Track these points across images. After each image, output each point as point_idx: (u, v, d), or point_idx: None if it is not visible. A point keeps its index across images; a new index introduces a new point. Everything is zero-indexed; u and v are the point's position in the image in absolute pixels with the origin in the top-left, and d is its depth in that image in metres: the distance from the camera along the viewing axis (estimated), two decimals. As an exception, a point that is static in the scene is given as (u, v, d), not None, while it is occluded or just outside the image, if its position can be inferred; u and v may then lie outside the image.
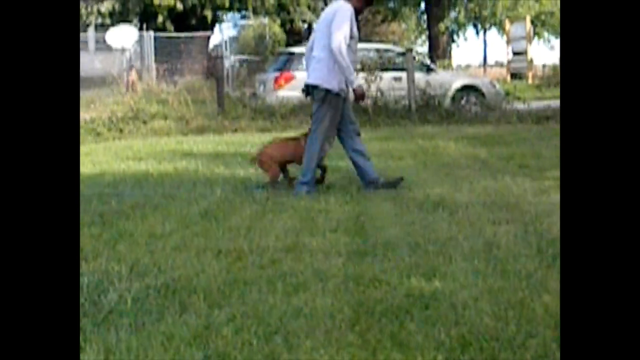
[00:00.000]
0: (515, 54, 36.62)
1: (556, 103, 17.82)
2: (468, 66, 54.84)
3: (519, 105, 17.43)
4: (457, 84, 17.72)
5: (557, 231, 5.51)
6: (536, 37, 46.00)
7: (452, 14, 38.47)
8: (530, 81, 33.96)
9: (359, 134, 7.64)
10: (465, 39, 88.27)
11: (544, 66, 40.45)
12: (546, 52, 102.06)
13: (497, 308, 3.85)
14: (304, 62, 8.56)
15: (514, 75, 35.70)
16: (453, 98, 17.35)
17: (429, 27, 36.32)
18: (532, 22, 39.07)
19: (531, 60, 35.46)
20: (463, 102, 17.41)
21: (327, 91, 7.23)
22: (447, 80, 17.61)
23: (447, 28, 36.10)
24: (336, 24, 7.07)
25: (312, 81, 7.37)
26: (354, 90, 7.29)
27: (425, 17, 39.29)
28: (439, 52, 34.36)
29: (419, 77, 16.60)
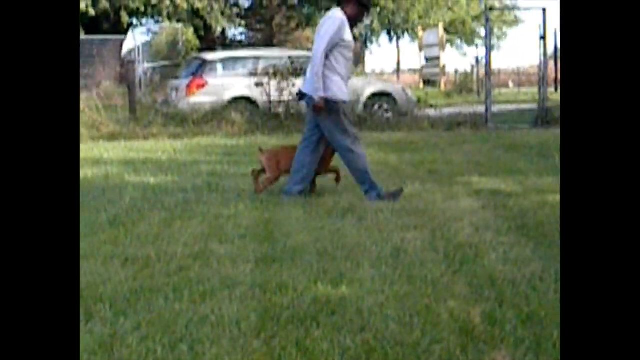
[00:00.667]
0: (428, 60, 37.20)
1: (467, 109, 18.15)
2: (382, 73, 55.38)
3: (431, 112, 17.69)
4: (370, 90, 17.86)
5: (464, 236, 5.60)
6: (449, 44, 46.83)
7: (366, 21, 38.84)
8: (442, 87, 34.51)
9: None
10: (379, 46, 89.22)
11: (456, 72, 41.19)
12: (458, 59, 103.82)
13: (402, 314, 3.88)
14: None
15: (426, 82, 36.26)
16: (365, 105, 17.48)
17: (342, 34, 36.51)
18: (445, 29, 39.76)
19: (443, 67, 36.07)
20: (375, 108, 17.56)
21: (327, 101, 7.11)
22: (360, 86, 17.73)
23: (360, 35, 36.39)
24: (321, 32, 7.11)
25: (306, 91, 7.27)
26: (312, 99, 7.14)
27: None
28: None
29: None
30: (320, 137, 7.36)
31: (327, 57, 7.03)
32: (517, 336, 3.57)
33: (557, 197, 7.14)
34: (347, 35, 7.17)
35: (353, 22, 7.33)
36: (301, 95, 7.41)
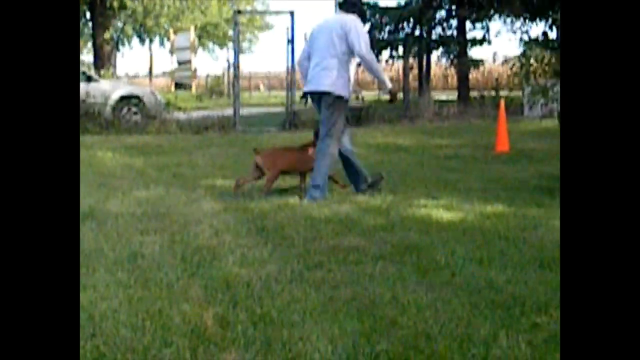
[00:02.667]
0: (179, 64, 36.94)
1: (217, 112, 18.25)
2: (136, 76, 54.45)
3: (180, 115, 17.62)
4: (118, 93, 17.56)
5: (203, 239, 5.62)
6: (201, 48, 46.81)
7: (118, 24, 38.03)
8: (194, 91, 34.47)
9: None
10: (131, 48, 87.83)
11: (207, 76, 41.33)
12: (211, 62, 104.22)
13: (135, 318, 3.83)
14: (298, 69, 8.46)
15: (178, 85, 36.01)
16: (114, 108, 17.15)
17: (93, 36, 35.50)
18: (197, 32, 39.69)
19: (195, 70, 35.99)
20: (124, 111, 17.27)
21: (339, 97, 7.48)
22: (108, 89, 17.40)
23: (112, 37, 35.55)
24: (356, 33, 7.39)
25: (322, 88, 7.52)
26: (390, 90, 7.94)
27: (90, 25, 38.35)
28: (103, 61, 33.71)
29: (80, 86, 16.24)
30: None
31: (344, 56, 7.48)
32: (248, 337, 3.62)
33: (297, 199, 7.35)
34: None
35: None
36: (308, 96, 7.82)
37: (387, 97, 8.18)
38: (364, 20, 8.48)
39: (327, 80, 7.51)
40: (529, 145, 11.92)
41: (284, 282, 4.52)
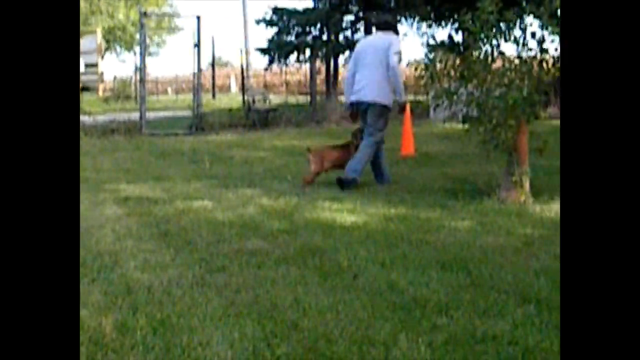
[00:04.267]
0: (86, 67, 36.30)
1: (123, 116, 17.99)
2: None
3: (86, 119, 17.30)
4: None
5: (105, 245, 5.53)
6: (108, 51, 46.09)
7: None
8: (100, 94, 33.89)
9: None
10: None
11: (114, 79, 40.70)
12: (118, 66, 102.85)
13: (31, 327, 3.74)
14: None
15: (84, 89, 35.33)
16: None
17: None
18: (104, 36, 39.09)
19: (101, 74, 35.40)
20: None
21: (384, 106, 8.68)
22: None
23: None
24: (395, 50, 8.51)
25: (370, 98, 8.65)
26: (403, 102, 8.85)
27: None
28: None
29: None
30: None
31: (386, 71, 8.54)
32: (147, 343, 3.58)
33: (203, 203, 7.30)
34: None
35: None
36: (357, 106, 8.83)
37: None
38: (397, 34, 9.68)
39: (375, 92, 8.63)
40: (434, 148, 12.10)
41: (185, 287, 4.49)
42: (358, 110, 8.86)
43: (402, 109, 8.87)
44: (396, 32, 9.23)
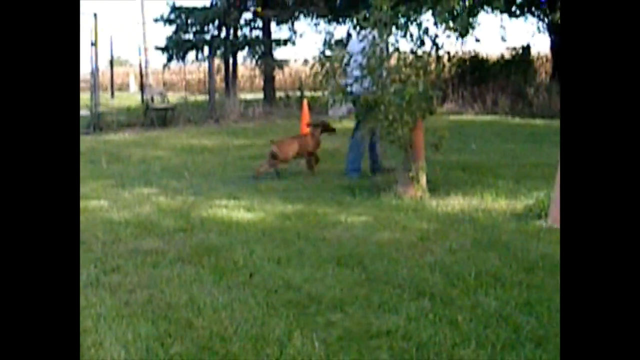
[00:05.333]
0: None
1: None
2: None
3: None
4: None
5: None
6: None
7: None
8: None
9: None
10: None
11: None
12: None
13: None
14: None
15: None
16: None
17: None
18: None
19: None
20: None
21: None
22: None
23: None
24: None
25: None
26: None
27: None
28: None
29: None
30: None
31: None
32: (36, 346, 3.48)
33: (99, 203, 7.15)
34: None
35: None
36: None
37: None
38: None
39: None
40: (332, 145, 12.16)
41: (79, 288, 4.38)
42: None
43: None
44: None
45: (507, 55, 22.41)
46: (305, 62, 9.01)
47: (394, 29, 7.62)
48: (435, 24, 7.44)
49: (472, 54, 22.18)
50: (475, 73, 21.18)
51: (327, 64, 7.83)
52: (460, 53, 21.33)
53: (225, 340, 3.55)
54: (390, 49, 7.66)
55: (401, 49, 7.68)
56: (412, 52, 7.57)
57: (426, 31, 7.46)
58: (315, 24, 26.05)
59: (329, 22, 25.56)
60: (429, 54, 7.54)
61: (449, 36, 7.50)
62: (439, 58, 7.46)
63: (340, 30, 52.49)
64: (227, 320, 3.80)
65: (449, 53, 7.22)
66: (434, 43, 7.44)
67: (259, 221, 6.22)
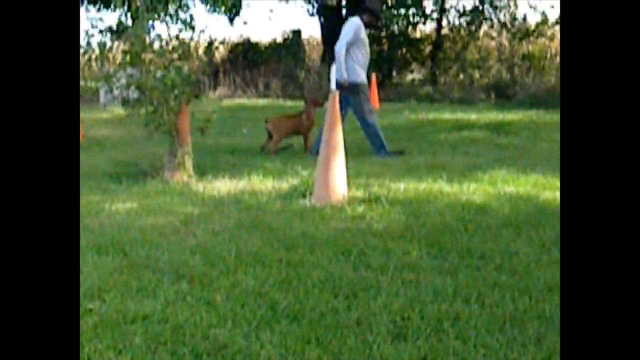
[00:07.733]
0: None
1: None
2: None
3: None
4: None
5: None
6: None
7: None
8: None
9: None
10: None
11: None
12: None
13: None
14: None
15: None
16: None
17: None
18: None
19: None
20: None
21: (349, 82, 9.21)
22: None
23: None
24: (342, 33, 9.35)
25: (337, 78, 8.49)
26: (346, 83, 9.14)
27: None
28: None
29: None
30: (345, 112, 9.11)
31: (347, 51, 9.21)
32: None
33: None
34: (363, 34, 9.46)
35: (368, 26, 9.80)
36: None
37: None
38: (378, 19, 11.08)
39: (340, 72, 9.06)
40: (102, 133, 11.90)
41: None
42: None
43: (341, 85, 8.74)
44: (374, 15, 9.94)
45: (279, 40, 22.83)
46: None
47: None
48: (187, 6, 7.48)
49: (244, 38, 22.40)
50: (247, 57, 21.41)
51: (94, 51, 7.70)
52: (231, 38, 21.51)
53: None
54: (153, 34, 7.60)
55: (165, 35, 7.65)
56: (176, 37, 7.54)
57: (177, 18, 7.48)
58: (87, 10, 25.28)
59: (99, 9, 24.88)
60: (196, 40, 7.56)
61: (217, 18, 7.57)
62: (210, 43, 7.49)
63: (111, 18, 51.24)
64: None
65: (211, 38, 7.28)
66: (191, 27, 7.46)
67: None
